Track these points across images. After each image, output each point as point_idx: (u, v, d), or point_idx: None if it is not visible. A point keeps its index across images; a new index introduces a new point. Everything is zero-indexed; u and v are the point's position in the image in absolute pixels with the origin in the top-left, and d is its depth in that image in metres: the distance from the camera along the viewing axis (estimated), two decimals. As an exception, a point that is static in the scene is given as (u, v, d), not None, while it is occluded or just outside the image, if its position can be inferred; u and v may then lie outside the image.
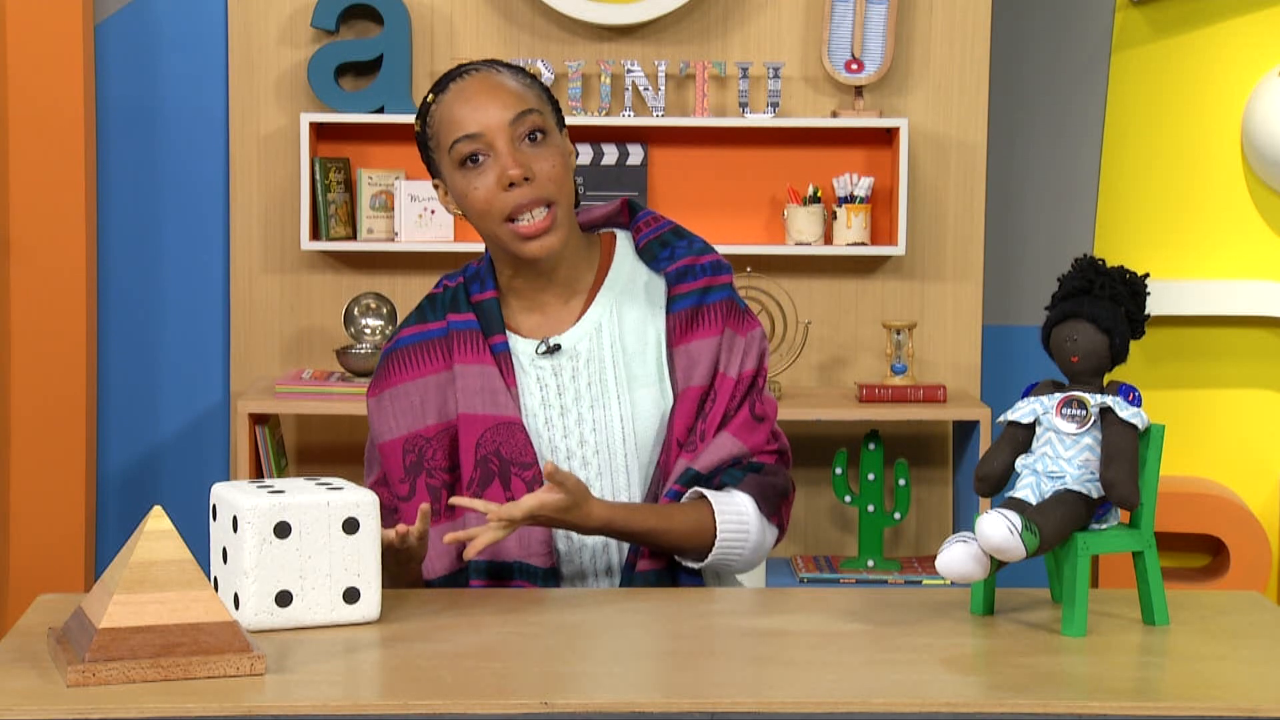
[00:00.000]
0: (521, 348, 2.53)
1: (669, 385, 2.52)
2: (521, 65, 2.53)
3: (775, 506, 2.53)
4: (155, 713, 1.83)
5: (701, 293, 2.53)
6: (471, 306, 2.54)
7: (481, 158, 2.45)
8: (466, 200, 2.47)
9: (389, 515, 2.52)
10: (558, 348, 2.52)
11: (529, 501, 2.34)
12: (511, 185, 2.42)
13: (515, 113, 2.44)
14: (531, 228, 2.44)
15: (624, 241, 2.60)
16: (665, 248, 2.56)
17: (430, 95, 2.52)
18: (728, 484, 2.50)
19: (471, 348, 2.51)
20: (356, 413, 4.24)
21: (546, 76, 4.41)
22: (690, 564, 2.49)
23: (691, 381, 2.50)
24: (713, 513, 2.47)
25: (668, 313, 2.52)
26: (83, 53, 4.43)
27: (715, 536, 2.47)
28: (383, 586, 2.29)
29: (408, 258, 4.55)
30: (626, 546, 2.50)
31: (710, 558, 2.47)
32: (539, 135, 2.46)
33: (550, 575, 2.47)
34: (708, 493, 2.48)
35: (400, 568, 2.40)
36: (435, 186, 2.55)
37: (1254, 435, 4.68)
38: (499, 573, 2.48)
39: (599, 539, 2.50)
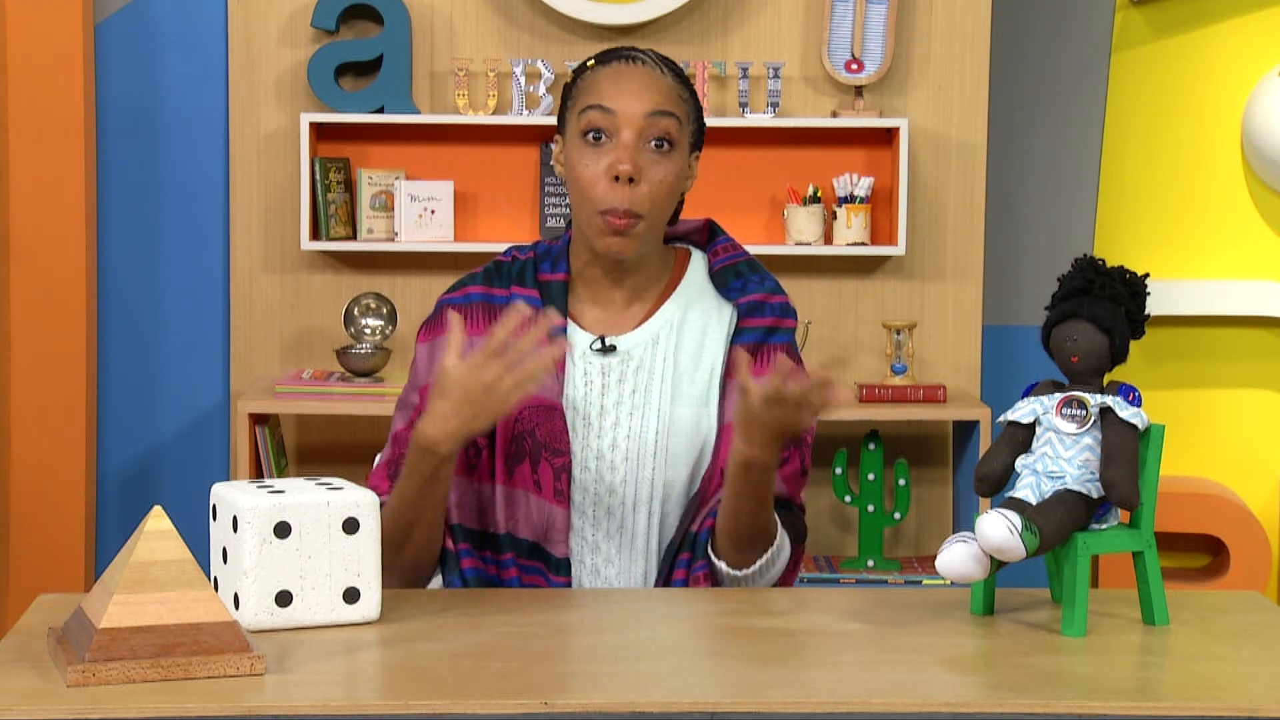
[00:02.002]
0: (578, 338, 2.53)
1: (714, 411, 2.52)
2: (686, 77, 2.56)
3: (797, 552, 2.56)
4: (155, 713, 1.83)
5: (767, 331, 2.54)
6: (538, 284, 2.55)
7: (605, 137, 2.46)
8: (574, 171, 2.48)
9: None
10: (613, 348, 2.53)
11: (762, 389, 2.28)
12: (616, 179, 2.44)
13: (655, 109, 2.45)
14: (616, 224, 2.44)
15: (698, 261, 2.61)
16: (739, 278, 2.57)
17: (592, 60, 2.53)
18: None
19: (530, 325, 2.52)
20: (356, 413, 4.24)
21: (546, 76, 4.41)
22: (726, 566, 2.48)
23: None
24: (776, 531, 2.48)
25: (731, 343, 2.53)
26: (83, 53, 4.43)
27: (769, 548, 2.47)
28: (403, 513, 2.32)
29: (408, 258, 4.55)
30: (644, 558, 2.51)
31: (754, 567, 2.47)
32: (666, 145, 2.46)
33: (562, 565, 2.49)
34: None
35: (428, 484, 2.38)
36: (556, 140, 2.55)
37: (1254, 435, 4.68)
38: (518, 548, 2.49)
39: (619, 545, 2.51)
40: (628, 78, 2.48)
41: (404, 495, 2.40)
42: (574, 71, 2.55)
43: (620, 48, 2.55)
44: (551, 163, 2.59)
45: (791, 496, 2.55)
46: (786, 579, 2.57)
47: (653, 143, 2.46)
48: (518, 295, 2.54)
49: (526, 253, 2.58)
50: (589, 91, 2.49)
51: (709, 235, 2.63)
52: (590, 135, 2.46)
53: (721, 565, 2.49)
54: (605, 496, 2.50)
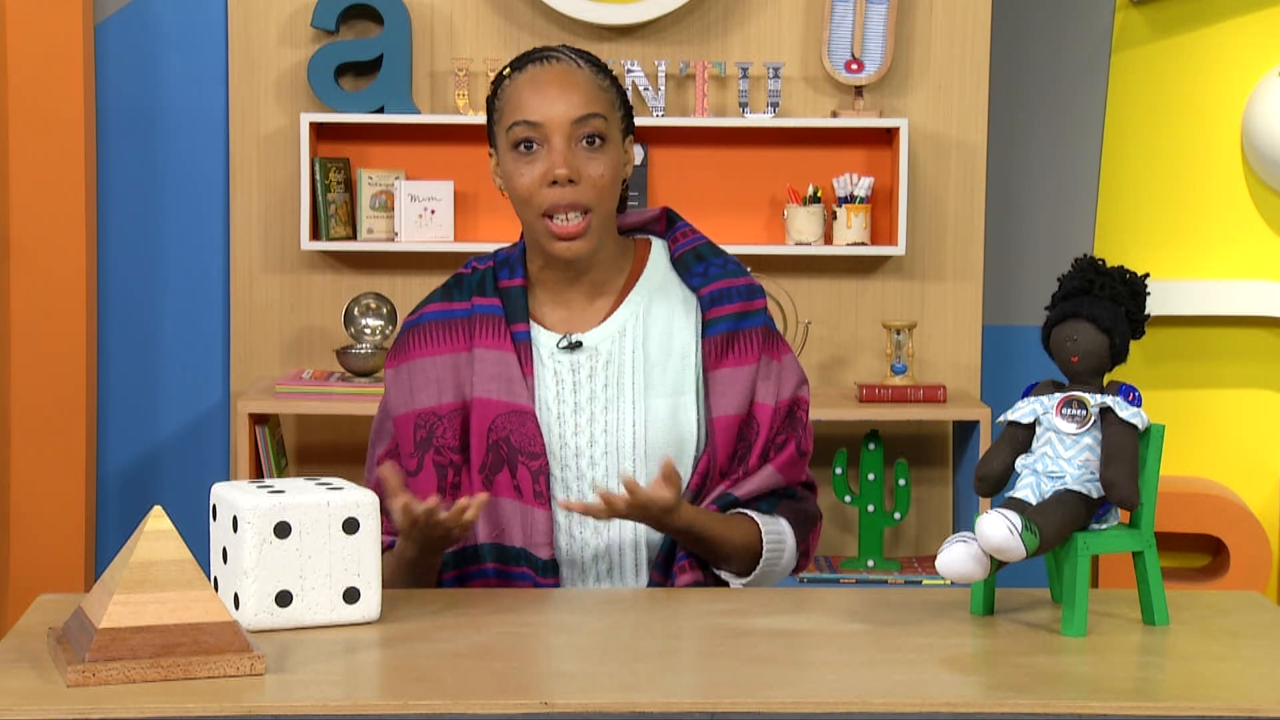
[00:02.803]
0: (543, 339, 2.54)
1: (691, 401, 2.53)
2: (604, 66, 2.57)
3: (805, 533, 2.57)
4: (155, 713, 1.83)
5: (737, 318, 2.54)
6: (498, 292, 2.55)
7: (536, 146, 2.46)
8: (511, 182, 2.49)
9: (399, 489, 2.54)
10: (579, 344, 2.53)
11: (642, 494, 2.36)
12: (555, 183, 2.44)
13: (580, 114, 2.45)
14: (565, 229, 2.46)
15: (659, 250, 2.61)
16: (700, 261, 2.57)
17: (508, 69, 2.52)
18: (764, 510, 2.53)
19: (493, 333, 2.52)
20: (356, 413, 4.24)
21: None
22: (731, 578, 2.52)
23: (728, 410, 2.52)
24: (760, 533, 2.51)
25: (703, 336, 2.54)
26: (83, 53, 4.43)
27: (761, 555, 2.51)
28: (396, 583, 2.33)
29: (408, 258, 4.55)
30: (633, 550, 2.52)
31: (753, 575, 2.52)
32: (598, 140, 2.47)
33: (549, 567, 2.48)
34: (753, 514, 2.52)
35: (423, 558, 2.42)
36: (489, 155, 2.56)
37: (1254, 435, 4.68)
38: (503, 556, 2.50)
39: (607, 540, 2.52)
40: (546, 82, 2.47)
41: (395, 582, 2.43)
42: (492, 83, 2.54)
43: (534, 50, 2.53)
44: (491, 174, 2.58)
45: (790, 482, 2.56)
46: (803, 561, 2.60)
47: (584, 141, 2.46)
48: (479, 305, 2.54)
49: (486, 262, 2.59)
50: (511, 106, 2.48)
51: (667, 223, 2.64)
52: (521, 147, 2.47)
53: (723, 576, 2.52)
54: (589, 494, 2.51)
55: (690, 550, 2.49)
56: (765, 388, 2.53)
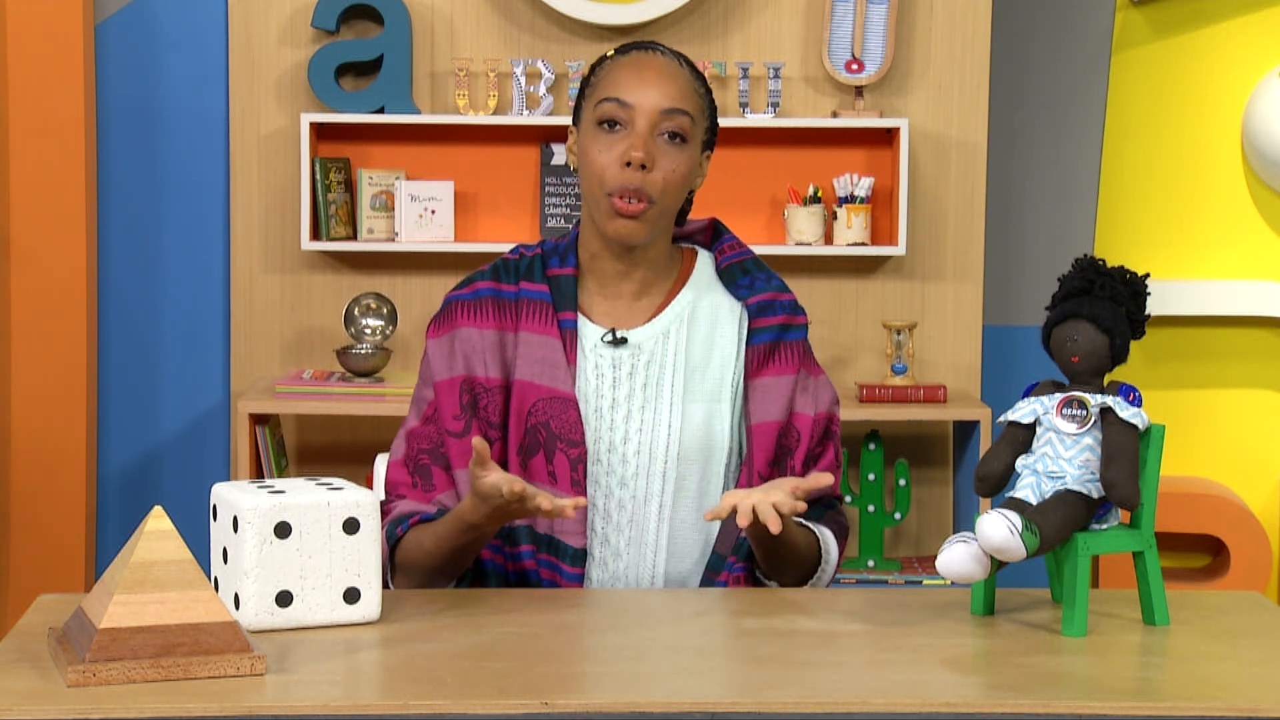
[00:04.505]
0: (588, 332, 2.55)
1: (727, 409, 2.55)
2: (703, 75, 2.61)
3: (842, 548, 2.59)
4: (155, 713, 1.83)
5: (780, 329, 2.57)
6: (546, 279, 2.56)
7: (620, 127, 2.49)
8: (586, 156, 2.51)
9: (435, 451, 2.53)
10: (624, 340, 2.54)
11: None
12: (628, 164, 2.46)
13: (671, 105, 2.49)
14: (626, 208, 2.47)
15: (704, 260, 2.64)
16: (745, 275, 2.61)
17: (611, 51, 2.57)
18: (812, 518, 2.55)
19: (540, 318, 2.53)
20: (356, 413, 4.24)
21: (547, 76, 4.41)
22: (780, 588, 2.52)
23: (769, 416, 2.53)
24: (819, 543, 2.52)
25: (747, 344, 2.56)
26: (83, 53, 4.43)
27: (818, 565, 2.52)
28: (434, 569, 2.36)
29: (408, 258, 4.55)
30: (654, 552, 2.53)
31: (807, 586, 2.52)
32: (680, 138, 2.50)
33: (579, 556, 2.49)
34: (811, 525, 2.53)
35: (489, 525, 2.38)
36: (570, 132, 2.59)
37: (1254, 435, 4.68)
38: (537, 541, 2.50)
39: (640, 530, 2.53)
40: (646, 68, 2.51)
41: (442, 549, 2.42)
42: (592, 65, 2.59)
43: (640, 41, 2.57)
44: (565, 150, 2.61)
45: (833, 492, 2.58)
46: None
47: (666, 136, 2.49)
48: (526, 290, 2.55)
49: (534, 250, 2.61)
50: (606, 83, 2.52)
51: (714, 234, 2.67)
52: (605, 124, 2.49)
53: (773, 585, 2.52)
54: (616, 490, 2.52)
55: (762, 554, 2.46)
56: (804, 399, 2.56)
